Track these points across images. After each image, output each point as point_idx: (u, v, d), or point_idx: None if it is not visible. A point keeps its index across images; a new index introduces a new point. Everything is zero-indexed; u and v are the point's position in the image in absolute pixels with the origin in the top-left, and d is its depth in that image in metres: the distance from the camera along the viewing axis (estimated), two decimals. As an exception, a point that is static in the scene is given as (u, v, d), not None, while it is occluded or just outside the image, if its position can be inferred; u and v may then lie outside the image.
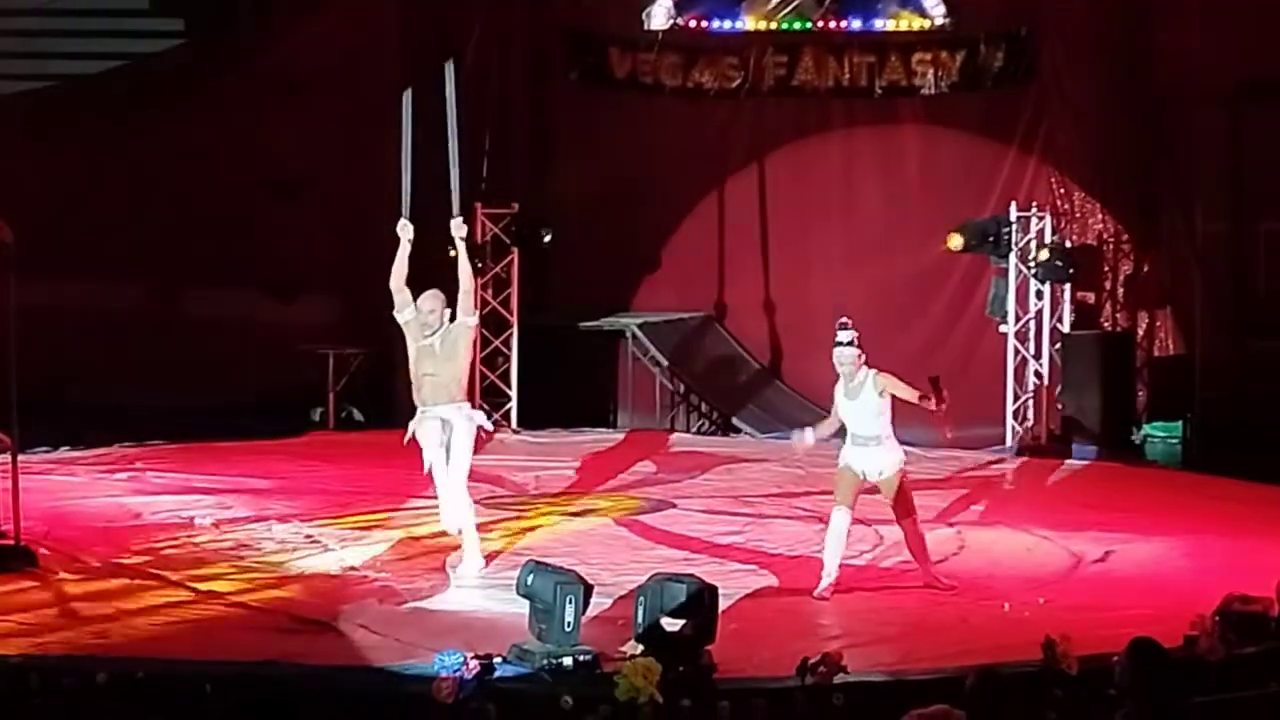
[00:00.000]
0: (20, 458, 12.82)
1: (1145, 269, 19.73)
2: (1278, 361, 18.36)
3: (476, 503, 13.09)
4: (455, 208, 13.17)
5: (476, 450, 12.83)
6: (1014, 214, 19.03)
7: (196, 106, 20.63)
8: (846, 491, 12.21)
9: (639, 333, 19.96)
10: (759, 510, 15.17)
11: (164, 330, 20.47)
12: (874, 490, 12.31)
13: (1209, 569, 12.77)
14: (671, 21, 20.25)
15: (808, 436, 12.67)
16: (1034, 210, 19.26)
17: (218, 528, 13.92)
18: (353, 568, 12.72)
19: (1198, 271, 18.96)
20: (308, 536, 13.62)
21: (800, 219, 20.77)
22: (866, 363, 12.29)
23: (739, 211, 20.88)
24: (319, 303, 20.59)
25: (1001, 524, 14.54)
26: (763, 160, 20.83)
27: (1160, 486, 16.76)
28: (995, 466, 17.75)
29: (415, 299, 12.62)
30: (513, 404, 19.72)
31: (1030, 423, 18.93)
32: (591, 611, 10.26)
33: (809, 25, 20.19)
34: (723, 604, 10.39)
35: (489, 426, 12.80)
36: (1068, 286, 19.23)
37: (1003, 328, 19.10)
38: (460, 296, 12.68)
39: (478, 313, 12.94)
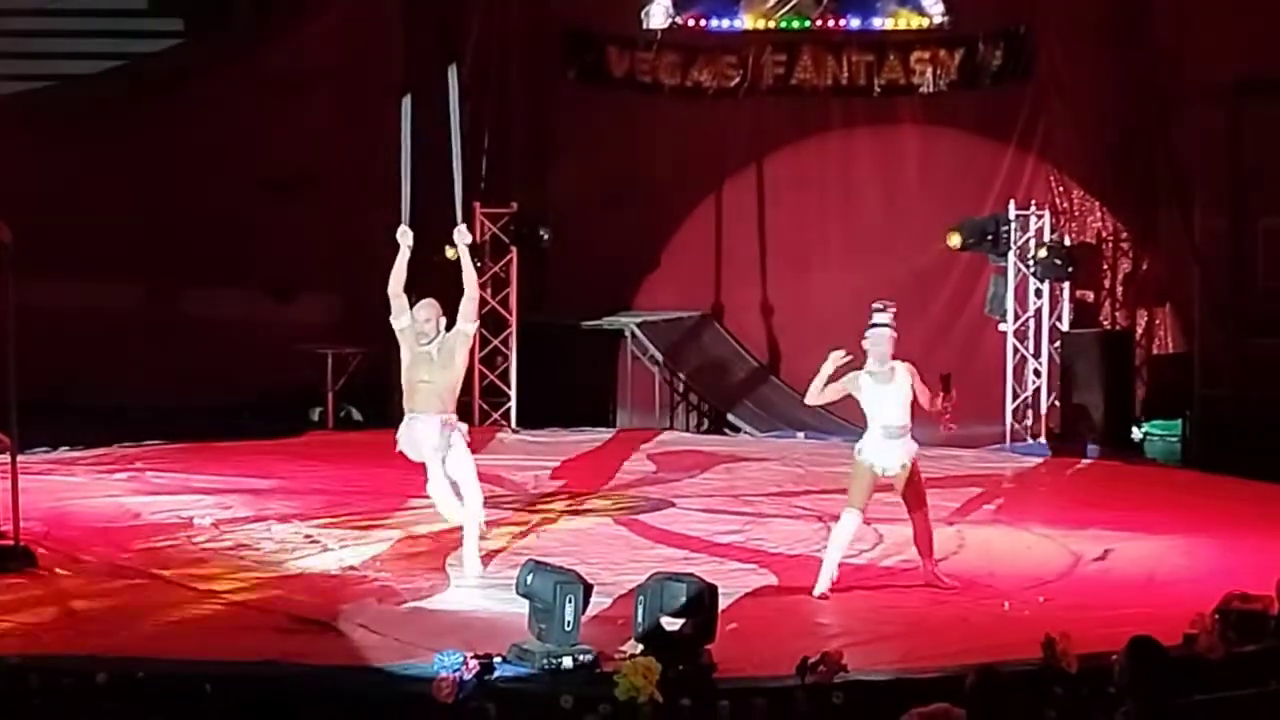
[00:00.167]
0: (20, 458, 12.82)
1: (1144, 267, 19.75)
2: (1277, 359, 18.35)
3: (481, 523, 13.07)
4: (458, 214, 13.16)
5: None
6: (1013, 212, 19.04)
7: (195, 106, 20.62)
8: (863, 493, 12.09)
9: (638, 332, 19.96)
10: (759, 509, 15.17)
11: (163, 330, 20.46)
12: (886, 489, 12.26)
13: (1208, 567, 12.77)
14: (670, 20, 20.26)
15: (813, 389, 12.34)
16: (1033, 208, 19.27)
17: (217, 528, 13.91)
18: (352, 568, 12.71)
19: (1197, 269, 18.95)
20: (307, 536, 13.62)
21: (799, 218, 20.78)
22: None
23: (738, 211, 20.89)
24: (318, 302, 20.59)
25: (1001, 522, 14.55)
26: (761, 159, 20.84)
27: (1159, 485, 16.77)
28: (1016, 466, 17.74)
29: (412, 306, 12.60)
30: (512, 403, 19.72)
31: (1045, 420, 18.96)
32: (591, 611, 10.26)
33: (807, 24, 20.20)
34: (722, 603, 10.38)
35: (466, 439, 12.79)
36: (1067, 285, 19.24)
37: (1002, 326, 19.10)
38: (463, 303, 12.66)
39: (477, 321, 12.91)
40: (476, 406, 19.56)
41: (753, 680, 9.85)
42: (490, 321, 19.74)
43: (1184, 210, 19.13)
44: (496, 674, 9.68)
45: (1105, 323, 19.64)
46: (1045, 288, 19.15)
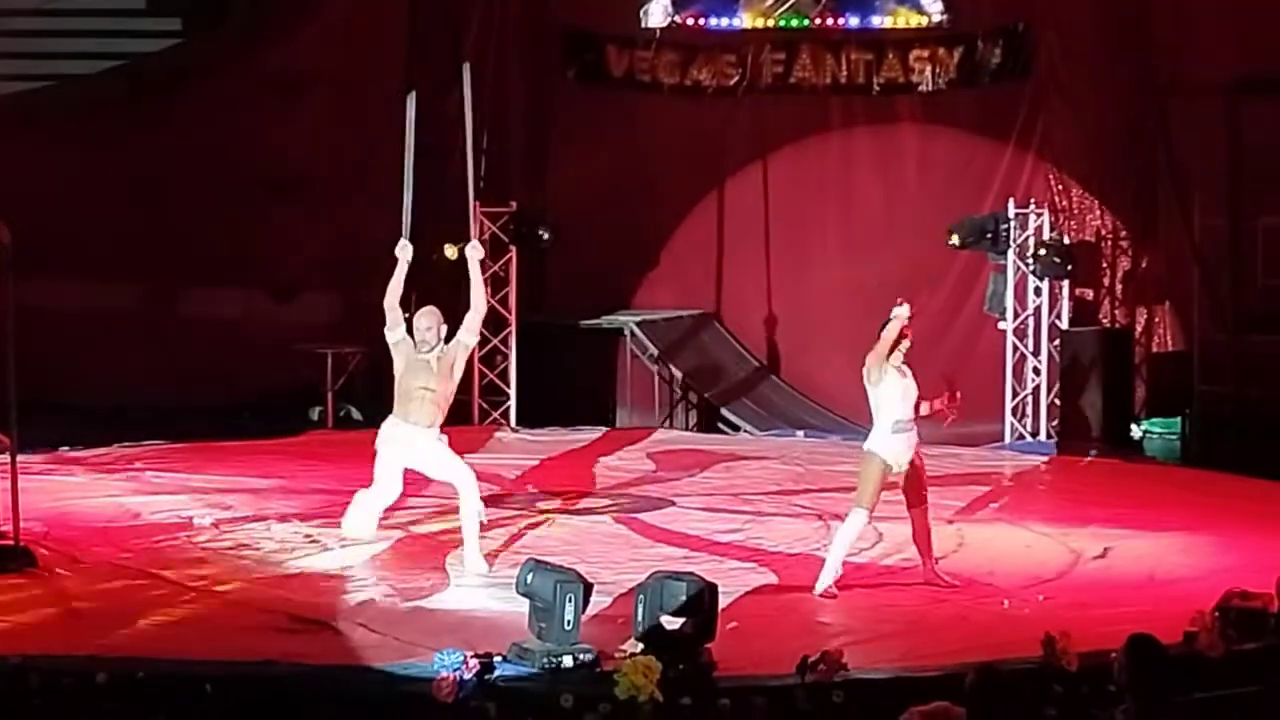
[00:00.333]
0: (19, 458, 12.83)
1: (1143, 265, 19.74)
2: (1276, 357, 18.36)
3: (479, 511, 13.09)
4: (472, 220, 13.16)
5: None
6: (1012, 210, 19.04)
7: (194, 106, 20.62)
8: (874, 492, 12.05)
9: (637, 330, 19.97)
10: (758, 508, 15.16)
11: (162, 330, 20.46)
12: (893, 487, 12.26)
13: (1208, 565, 12.78)
14: (669, 19, 20.27)
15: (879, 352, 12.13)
16: (1032, 206, 19.27)
17: (217, 527, 13.91)
18: (352, 567, 12.72)
19: (1196, 267, 18.96)
20: (307, 536, 13.61)
21: (798, 216, 20.78)
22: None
23: (737, 209, 20.89)
24: (317, 302, 20.59)
25: (1000, 520, 14.55)
26: (761, 158, 20.84)
27: (1159, 482, 16.76)
28: (1016, 464, 17.74)
29: (409, 310, 12.60)
30: (511, 402, 19.72)
31: (1046, 418, 18.98)
32: (591, 610, 10.26)
33: (806, 23, 20.21)
34: (722, 602, 10.38)
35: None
36: (1066, 283, 19.24)
37: (1001, 324, 19.10)
38: (470, 316, 12.69)
39: (479, 336, 12.92)
40: (476, 405, 19.57)
41: (753, 679, 9.86)
42: (490, 320, 19.66)
43: (1183, 208, 19.13)
44: (496, 673, 9.68)
45: (1105, 321, 19.63)
46: (1045, 286, 19.15)
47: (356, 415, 19.45)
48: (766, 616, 11.39)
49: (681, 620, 9.96)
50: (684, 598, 9.98)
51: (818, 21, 20.15)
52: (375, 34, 20.48)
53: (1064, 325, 19.19)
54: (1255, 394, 18.43)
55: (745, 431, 19.42)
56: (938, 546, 12.55)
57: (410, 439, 12.56)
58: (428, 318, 12.61)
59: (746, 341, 20.89)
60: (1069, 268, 18.99)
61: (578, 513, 14.82)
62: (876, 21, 20.10)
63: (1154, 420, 19.47)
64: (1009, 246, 18.92)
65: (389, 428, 12.66)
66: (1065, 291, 19.27)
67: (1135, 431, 19.20)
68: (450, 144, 20.30)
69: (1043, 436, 18.89)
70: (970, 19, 20.03)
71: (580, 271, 20.77)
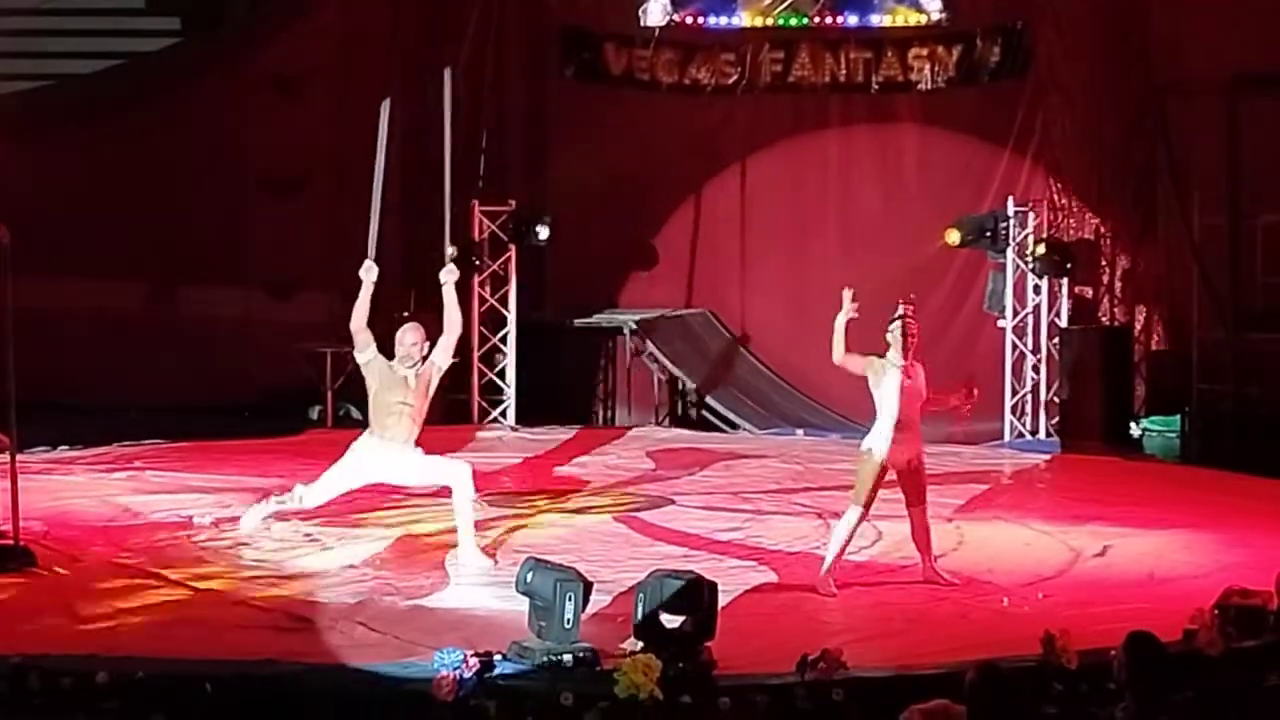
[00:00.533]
0: (19, 457, 12.82)
1: (1142, 263, 19.74)
2: (1275, 355, 18.36)
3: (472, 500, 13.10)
4: (447, 251, 13.13)
5: None
6: (1011, 208, 19.06)
7: (194, 105, 20.63)
8: (872, 490, 12.07)
9: (636, 329, 19.97)
10: (758, 506, 15.16)
11: (162, 330, 20.46)
12: (893, 485, 12.26)
13: (1208, 563, 12.77)
14: (668, 18, 20.28)
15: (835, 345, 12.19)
16: (1031, 205, 19.27)
17: (217, 526, 13.91)
18: (352, 566, 12.72)
19: (1195, 265, 18.95)
20: (307, 535, 13.61)
21: (797, 214, 20.79)
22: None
23: (736, 208, 20.90)
24: (316, 301, 20.58)
25: (1000, 519, 14.55)
26: (760, 156, 20.84)
27: (1158, 480, 16.76)
28: (1015, 463, 17.75)
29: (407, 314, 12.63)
30: (510, 400, 19.72)
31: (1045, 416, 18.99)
32: (591, 609, 10.26)
33: (805, 21, 20.23)
34: (722, 600, 10.38)
35: None
36: (1065, 281, 19.25)
37: (1001, 322, 19.11)
38: (445, 338, 12.70)
39: (452, 361, 12.91)
40: (475, 404, 19.58)
41: (753, 677, 9.85)
42: (489, 319, 19.77)
43: (1182, 206, 19.13)
44: (496, 671, 9.68)
45: (1104, 319, 19.64)
46: (1044, 284, 19.16)
47: (356, 414, 19.40)
48: (766, 615, 11.39)
49: (681, 618, 9.96)
50: (684, 596, 9.98)
51: (816, 20, 20.18)
52: (371, 32, 20.47)
53: (1063, 323, 19.19)
54: (1255, 392, 18.44)
55: (745, 430, 19.42)
56: (937, 545, 12.55)
57: (389, 454, 12.61)
58: (413, 334, 12.67)
59: (745, 339, 20.89)
60: (1068, 266, 19.01)
61: (578, 511, 14.83)
62: (875, 20, 20.12)
63: (1153, 418, 19.48)
64: (1008, 245, 18.93)
65: (366, 443, 12.69)
66: (1064, 290, 19.28)
67: (1135, 430, 19.21)
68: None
69: (1042, 435, 18.89)
70: (969, 17, 20.05)
71: (579, 269, 20.78)
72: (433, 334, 12.88)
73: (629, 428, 19.64)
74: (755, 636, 10.66)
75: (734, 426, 19.60)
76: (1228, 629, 10.21)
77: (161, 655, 10.18)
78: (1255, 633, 10.31)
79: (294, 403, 19.49)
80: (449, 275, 12.93)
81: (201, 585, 12.05)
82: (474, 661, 9.55)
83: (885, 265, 19.70)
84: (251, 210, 20.53)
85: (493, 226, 19.61)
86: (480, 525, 13.23)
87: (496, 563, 12.57)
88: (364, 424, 18.84)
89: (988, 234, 18.95)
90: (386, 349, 12.81)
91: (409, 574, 12.41)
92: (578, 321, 20.42)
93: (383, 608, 11.45)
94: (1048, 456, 18.00)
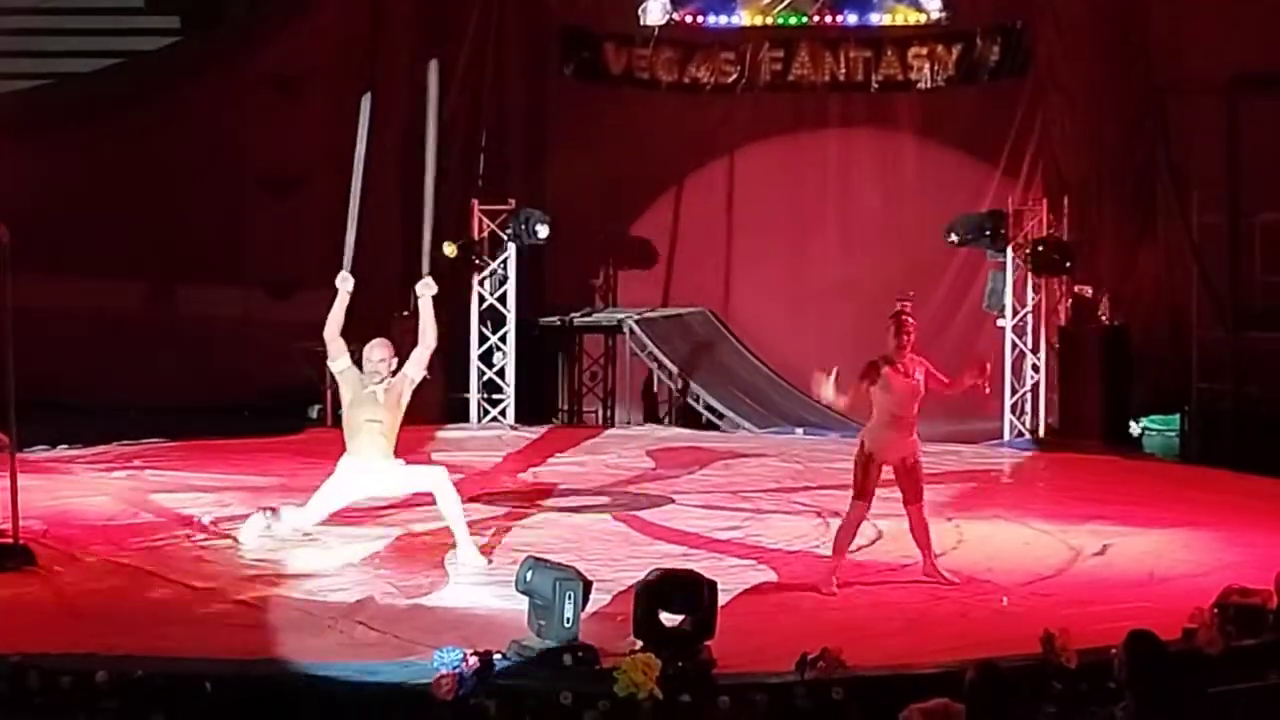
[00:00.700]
0: (18, 456, 12.82)
1: (1142, 262, 19.74)
2: (1274, 353, 18.37)
3: (475, 498, 13.10)
4: (425, 265, 13.12)
5: None
6: (1010, 207, 19.05)
7: (193, 105, 20.63)
8: (865, 481, 12.08)
9: (636, 327, 19.98)
10: (757, 505, 15.16)
11: (161, 329, 20.47)
12: (888, 484, 12.26)
13: (1207, 561, 12.77)
14: (667, 17, 20.29)
15: (828, 391, 12.26)
16: (1030, 204, 19.27)
17: (216, 525, 13.91)
18: (352, 565, 12.72)
19: (1195, 264, 18.97)
20: (306, 534, 13.60)
21: (797, 213, 20.81)
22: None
23: (736, 206, 20.93)
24: (316, 300, 20.52)
25: (999, 518, 14.55)
26: (759, 156, 20.85)
27: (1158, 479, 16.76)
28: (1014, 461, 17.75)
29: (360, 348, 12.63)
30: (510, 400, 19.73)
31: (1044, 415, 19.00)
32: (590, 607, 10.25)
33: (805, 20, 20.24)
34: (722, 599, 10.37)
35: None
36: (1065, 280, 19.24)
37: (1000, 321, 19.11)
38: (419, 351, 12.65)
39: (425, 374, 12.91)
40: (475, 403, 19.58)
41: (752, 676, 9.84)
42: (489, 318, 19.77)
43: (1182, 205, 19.15)
44: (496, 670, 9.67)
45: (1103, 318, 19.64)
46: (1043, 283, 19.15)
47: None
48: (766, 613, 11.39)
49: (681, 617, 9.96)
50: (683, 595, 9.98)
51: (816, 19, 20.19)
52: (371, 31, 20.46)
53: (1063, 322, 19.19)
54: (1254, 390, 18.45)
55: (744, 429, 19.42)
56: (937, 543, 12.55)
57: (367, 473, 12.63)
58: (381, 350, 12.63)
59: (745, 338, 20.90)
60: (1067, 265, 19.00)
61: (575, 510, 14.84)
62: (875, 19, 20.13)
63: (1153, 417, 19.49)
64: (1007, 244, 18.93)
65: (345, 465, 12.69)
66: (1064, 288, 19.28)
67: (1134, 428, 19.21)
68: (445, 144, 20.32)
69: (1024, 434, 18.87)
70: (969, 16, 20.07)
71: (579, 268, 20.79)
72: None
73: (627, 426, 19.63)
74: (755, 635, 10.65)
75: (734, 426, 19.55)
76: (1227, 628, 10.20)
77: (161, 654, 10.18)
78: (1255, 631, 10.30)
79: (294, 402, 19.49)
80: (426, 289, 12.90)
81: (200, 584, 12.04)
82: (474, 660, 9.55)
83: (884, 264, 19.73)
84: (251, 210, 20.53)
85: (492, 225, 19.61)
86: (479, 525, 13.22)
87: (490, 561, 12.57)
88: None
89: (987, 233, 18.95)
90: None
91: (408, 573, 12.41)
92: (577, 320, 20.44)
93: (382, 607, 11.44)
94: (1024, 456, 17.99)
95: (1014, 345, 19.08)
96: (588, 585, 10.13)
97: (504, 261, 19.76)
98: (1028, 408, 19.13)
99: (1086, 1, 19.70)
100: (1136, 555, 13.09)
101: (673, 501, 15.20)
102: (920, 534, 12.30)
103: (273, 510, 13.01)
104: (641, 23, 20.42)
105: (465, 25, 20.55)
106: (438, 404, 18.56)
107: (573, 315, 20.58)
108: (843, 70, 20.53)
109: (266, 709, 9.51)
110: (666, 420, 20.02)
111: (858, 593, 11.99)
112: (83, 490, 15.28)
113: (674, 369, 20.01)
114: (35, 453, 15.91)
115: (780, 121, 20.89)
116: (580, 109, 21.12)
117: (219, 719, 9.47)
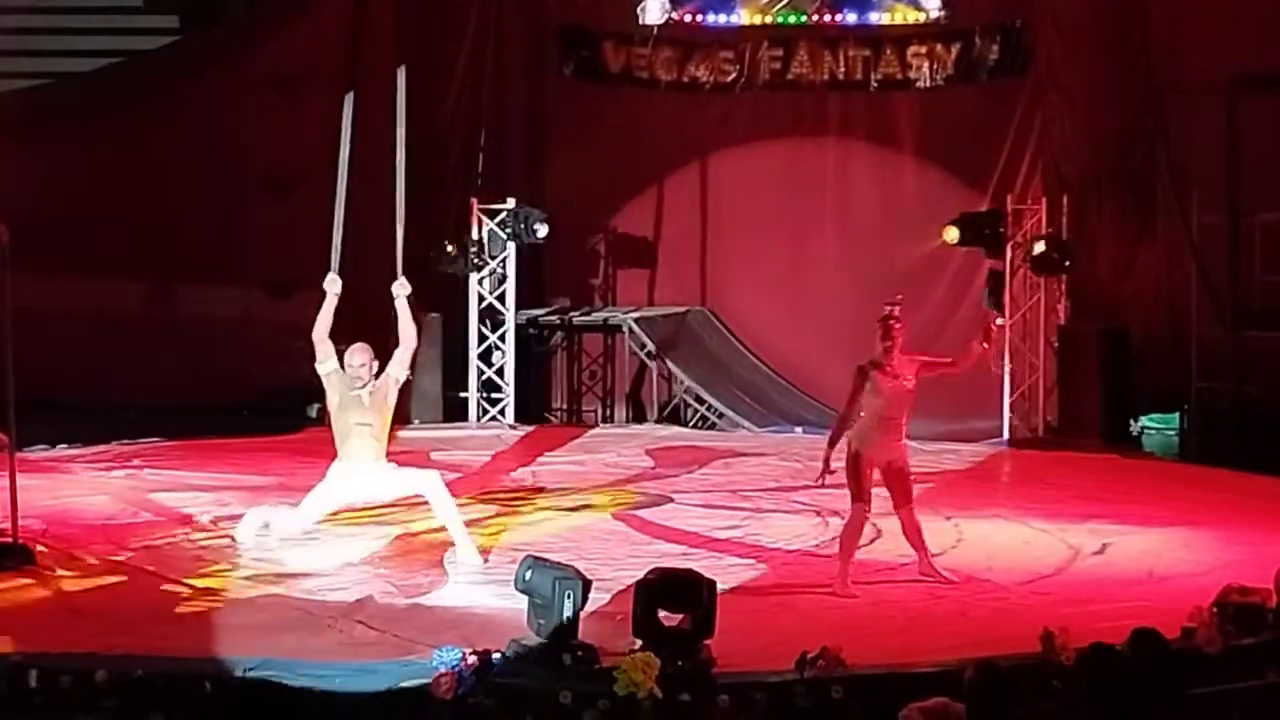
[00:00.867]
0: (18, 456, 12.82)
1: (1141, 261, 19.74)
2: (1274, 352, 18.37)
3: (476, 498, 13.09)
4: (399, 264, 13.11)
5: None
6: (1010, 206, 19.05)
7: (192, 104, 20.62)
8: (858, 481, 12.08)
9: (635, 326, 19.99)
10: (757, 504, 15.16)
11: (161, 328, 20.46)
12: (879, 485, 12.27)
13: (1207, 560, 12.77)
14: (666, 16, 20.28)
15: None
16: (1029, 202, 19.28)
17: (215, 524, 13.91)
18: (351, 564, 12.71)
19: (1194, 263, 18.96)
20: (305, 533, 13.59)
21: (796, 212, 20.80)
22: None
23: (735, 205, 20.91)
24: (315, 300, 20.51)
25: (999, 517, 14.55)
26: (758, 155, 20.85)
27: (1157, 478, 16.76)
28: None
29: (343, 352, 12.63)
30: (509, 399, 19.72)
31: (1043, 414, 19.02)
32: (590, 607, 10.26)
33: (804, 19, 20.23)
34: (721, 598, 10.38)
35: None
36: (1064, 279, 19.24)
37: (999, 321, 19.11)
38: (400, 352, 12.67)
39: (408, 373, 12.90)
40: (474, 402, 19.58)
41: (752, 675, 9.84)
42: (488, 317, 19.76)
43: (1181, 204, 19.14)
44: (495, 669, 9.67)
45: (1103, 317, 19.64)
46: (1042, 282, 19.15)
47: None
48: (765, 613, 11.39)
49: (680, 616, 9.96)
50: (683, 594, 9.97)
51: (815, 18, 20.19)
52: (370, 31, 20.45)
53: (1062, 321, 19.20)
54: (1253, 390, 18.45)
55: (744, 428, 19.42)
56: (936, 542, 12.55)
57: (359, 477, 12.63)
58: (360, 355, 12.64)
59: (744, 337, 20.90)
60: (1066, 263, 19.00)
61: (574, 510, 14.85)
62: (874, 18, 20.13)
63: (1152, 416, 19.49)
64: (1007, 243, 18.93)
65: (336, 470, 12.69)
66: (1063, 287, 19.28)
67: (1134, 427, 19.21)
68: (444, 143, 20.35)
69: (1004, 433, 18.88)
70: (968, 15, 20.06)
71: (577, 267, 20.79)
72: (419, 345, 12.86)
73: (627, 425, 19.62)
74: (754, 634, 10.66)
75: (734, 425, 19.55)
76: (1227, 627, 10.20)
77: (161, 654, 10.18)
78: (1254, 630, 10.30)
79: (293, 401, 19.48)
80: (400, 289, 12.92)
81: (200, 584, 12.04)
82: (473, 660, 9.55)
83: (884, 262, 19.73)
84: (251, 210, 20.52)
85: (491, 224, 19.61)
86: (478, 525, 13.21)
87: (486, 561, 12.57)
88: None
89: (986, 232, 18.95)
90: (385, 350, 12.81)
91: (407, 572, 12.41)
92: (576, 319, 20.44)
93: (381, 606, 11.44)
94: (991, 452, 17.99)
95: (1013, 344, 19.07)
96: (587, 584, 10.14)
97: (503, 261, 19.75)
98: (1027, 406, 19.14)
99: (1086, 1, 19.69)
100: (1136, 554, 13.09)
101: (672, 500, 15.20)
102: (913, 535, 12.31)
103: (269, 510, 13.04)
104: (640, 22, 20.41)
105: (464, 25, 20.56)
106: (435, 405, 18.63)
107: (571, 314, 20.59)
108: (842, 69, 20.53)
109: (266, 710, 9.51)
110: (665, 419, 19.99)
111: (857, 591, 11.99)
112: (82, 490, 15.28)
113: (673, 368, 20.01)
114: (35, 452, 15.92)
115: (779, 120, 20.88)
116: (579, 108, 21.13)
117: (219, 719, 9.47)
